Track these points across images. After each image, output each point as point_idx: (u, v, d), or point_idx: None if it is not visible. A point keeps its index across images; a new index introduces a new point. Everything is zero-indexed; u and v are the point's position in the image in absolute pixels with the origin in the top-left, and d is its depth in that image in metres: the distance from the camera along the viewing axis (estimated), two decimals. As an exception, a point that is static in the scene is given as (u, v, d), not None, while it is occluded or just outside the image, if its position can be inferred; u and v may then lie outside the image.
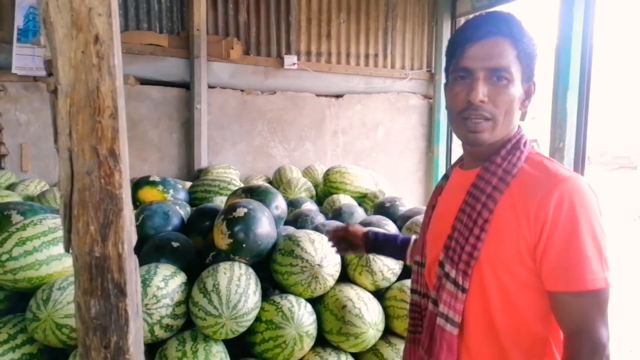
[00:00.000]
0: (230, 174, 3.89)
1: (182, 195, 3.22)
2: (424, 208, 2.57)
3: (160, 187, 3.14)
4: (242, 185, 3.41)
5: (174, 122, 4.21)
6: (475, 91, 1.01)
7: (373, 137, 4.60)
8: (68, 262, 1.83)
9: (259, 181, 3.93)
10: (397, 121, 4.68)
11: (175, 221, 2.43)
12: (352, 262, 2.04)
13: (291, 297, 1.88)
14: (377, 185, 3.59)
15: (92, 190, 0.73)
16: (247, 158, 4.39)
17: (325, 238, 2.03)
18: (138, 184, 3.19)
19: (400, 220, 2.57)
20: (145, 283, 1.67)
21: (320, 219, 2.71)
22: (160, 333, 1.67)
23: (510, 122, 1.06)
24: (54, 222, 1.86)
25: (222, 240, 1.93)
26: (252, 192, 2.39)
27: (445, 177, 1.29)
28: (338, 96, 4.48)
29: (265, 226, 1.98)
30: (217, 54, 4.10)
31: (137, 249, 1.96)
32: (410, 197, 3.60)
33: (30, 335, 1.66)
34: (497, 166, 1.07)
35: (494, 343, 1.05)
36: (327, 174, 3.46)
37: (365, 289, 2.01)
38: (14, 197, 3.18)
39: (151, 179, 3.21)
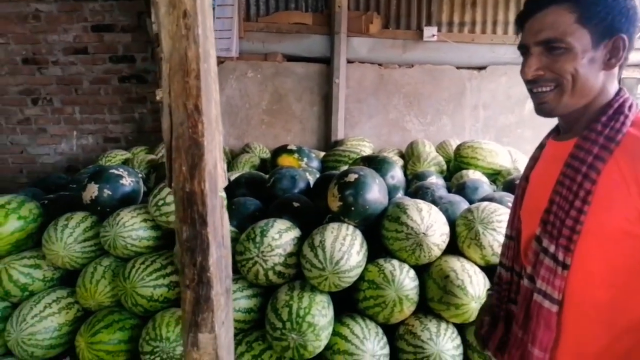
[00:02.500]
0: (363, 146, 4.02)
1: (315, 163, 3.46)
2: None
3: (296, 155, 3.42)
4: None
5: (315, 95, 4.47)
6: (527, 66, 1.02)
7: (519, 111, 4.26)
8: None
9: (391, 154, 3.98)
10: (549, 94, 4.24)
11: (301, 185, 2.66)
12: (461, 234, 2.01)
13: (394, 262, 1.94)
14: (514, 163, 3.37)
15: (184, 138, 0.91)
16: (382, 131, 4.46)
17: (433, 207, 2.03)
18: (277, 152, 3.53)
19: (529, 198, 2.40)
20: (262, 233, 1.90)
21: (442, 192, 2.68)
22: (273, 278, 1.89)
23: (586, 88, 1.00)
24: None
25: (333, 202, 2.07)
26: (370, 161, 2.48)
27: (540, 147, 1.22)
28: (480, 68, 4.24)
29: (375, 192, 2.06)
30: (356, 29, 4.21)
31: (228, 192, 2.18)
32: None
33: (177, 267, 2.03)
34: (597, 134, 0.99)
35: (600, 321, 1.00)
36: (458, 149, 3.36)
37: (475, 263, 1.97)
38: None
39: (289, 147, 3.51)
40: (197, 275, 0.95)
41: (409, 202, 2.06)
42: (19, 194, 2.65)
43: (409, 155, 3.90)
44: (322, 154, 3.75)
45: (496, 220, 1.95)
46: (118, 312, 2.00)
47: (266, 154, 4.16)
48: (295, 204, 2.31)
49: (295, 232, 2.00)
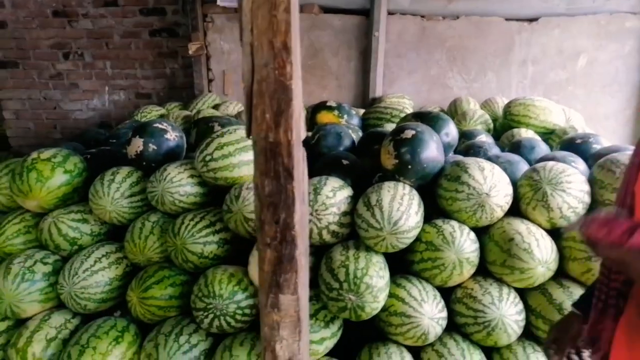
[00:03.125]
0: (403, 103, 3.86)
1: (355, 121, 3.33)
2: (628, 147, 2.20)
3: (336, 112, 3.30)
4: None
5: (352, 50, 4.28)
6: None
7: (571, 67, 4.00)
8: (255, 168, 2.08)
9: (434, 112, 3.81)
10: (604, 48, 3.96)
11: (346, 142, 2.55)
12: (525, 195, 1.89)
13: (454, 223, 1.85)
14: (568, 122, 3.18)
15: (268, 81, 0.81)
16: (422, 88, 4.27)
17: (496, 167, 1.91)
18: (317, 109, 3.40)
19: (592, 159, 2.25)
20: (316, 191, 1.82)
21: (495, 151, 2.54)
22: (327, 237, 1.83)
23: None
24: (243, 132, 2.12)
25: (388, 160, 1.97)
26: (422, 117, 2.35)
27: None
28: (531, 20, 3.96)
29: (432, 150, 1.94)
30: (399, -23, 3.96)
31: (306, 146, 2.09)
32: (610, 139, 3.07)
33: (226, 224, 1.98)
34: None
35: None
36: (508, 106, 3.18)
37: (539, 225, 1.86)
38: (216, 114, 3.69)
39: (328, 104, 3.38)
40: (280, 233, 0.88)
41: (469, 160, 1.94)
42: (62, 147, 2.62)
43: (453, 113, 3.72)
44: (362, 111, 3.61)
45: (565, 180, 1.82)
46: (168, 268, 1.98)
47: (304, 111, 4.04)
48: (345, 162, 2.21)
49: (347, 191, 1.92)
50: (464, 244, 1.77)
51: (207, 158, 2.01)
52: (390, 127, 3.02)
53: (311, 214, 1.78)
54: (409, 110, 3.36)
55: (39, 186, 2.07)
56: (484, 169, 1.86)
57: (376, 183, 2.12)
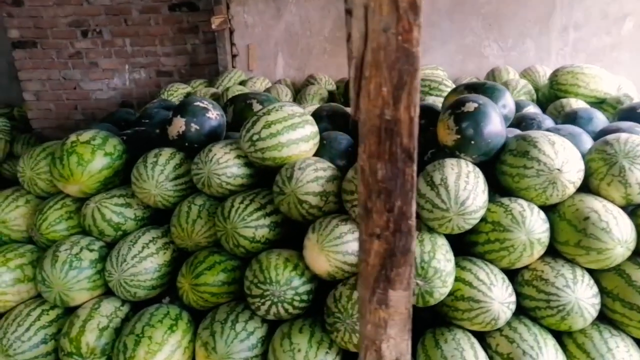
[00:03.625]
0: (438, 74, 3.69)
1: (392, 94, 3.19)
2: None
3: (372, 86, 3.15)
4: (454, 85, 3.22)
5: (382, 20, 4.10)
6: None
7: (616, 32, 3.79)
8: (303, 147, 1.98)
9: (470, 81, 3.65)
10: (651, 11, 3.74)
11: (392, 117, 2.43)
12: (598, 170, 1.76)
13: (522, 201, 1.73)
14: (619, 90, 3.01)
15: (388, 49, 0.70)
16: (456, 58, 4.09)
17: (566, 140, 1.79)
18: (349, 82, 3.26)
19: (659, 129, 2.11)
20: (375, 170, 1.71)
21: (548, 123, 2.40)
22: (387, 219, 1.73)
23: None
24: (291, 109, 2.01)
25: (448, 135, 1.85)
26: (476, 88, 2.21)
27: None
28: (574, -18, 3.75)
29: (496, 124, 1.81)
30: (432, -60, 3.74)
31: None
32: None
33: (276, 207, 1.89)
34: None
35: None
36: (555, 75, 3.02)
37: (613, 202, 1.74)
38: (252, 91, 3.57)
39: (363, 77, 3.23)
40: (394, 223, 0.77)
41: (536, 134, 1.81)
42: (97, 128, 2.54)
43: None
44: (397, 83, 3.46)
45: (644, 154, 1.69)
46: (218, 253, 1.90)
47: (332, 86, 3.90)
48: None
49: (406, 169, 1.80)
50: (535, 224, 1.66)
51: (255, 137, 1.91)
52: (431, 99, 2.89)
53: (371, 195, 1.68)
54: (448, 81, 3.20)
55: (80, 170, 2.00)
56: (555, 142, 1.74)
57: (429, 161, 2.01)
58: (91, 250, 1.96)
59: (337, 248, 1.69)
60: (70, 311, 1.95)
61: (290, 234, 2.02)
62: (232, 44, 4.43)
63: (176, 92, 3.81)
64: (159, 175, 1.99)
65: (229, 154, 1.97)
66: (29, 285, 1.95)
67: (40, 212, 2.07)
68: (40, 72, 5.51)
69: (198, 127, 2.09)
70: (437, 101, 2.92)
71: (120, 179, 2.18)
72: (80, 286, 1.88)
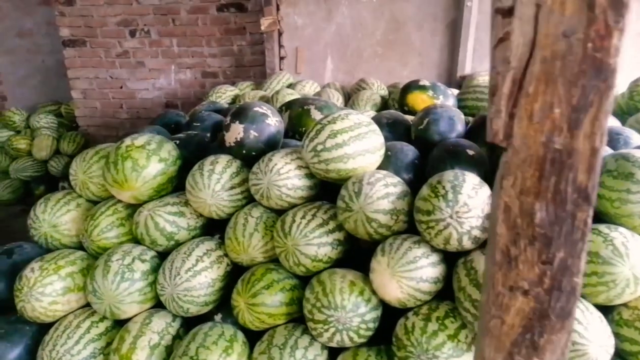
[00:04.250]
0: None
1: (451, 101, 3.01)
2: None
3: (430, 93, 2.98)
4: (520, 94, 3.00)
5: (438, 23, 3.91)
6: None
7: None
8: (370, 158, 1.83)
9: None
10: None
11: (459, 128, 2.25)
12: None
13: (624, 230, 1.53)
14: None
15: (569, 59, 0.53)
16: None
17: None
18: (407, 89, 3.09)
19: None
20: (454, 189, 1.54)
21: (637, 139, 2.17)
22: (467, 244, 1.55)
23: None
24: (358, 117, 1.86)
25: (536, 152, 1.66)
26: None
27: None
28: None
29: None
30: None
31: (422, 152, 1.81)
32: None
33: (339, 223, 1.74)
34: None
35: None
36: (636, 85, 2.76)
37: None
38: (296, 96, 3.45)
39: (421, 83, 3.06)
40: (551, 278, 0.61)
41: (638, 153, 1.60)
42: (148, 132, 2.47)
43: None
44: (456, 91, 3.27)
45: None
46: (275, 270, 1.77)
47: (384, 91, 3.74)
48: (470, 152, 1.92)
49: (487, 189, 1.62)
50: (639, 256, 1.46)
51: (319, 147, 1.77)
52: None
53: (450, 217, 1.51)
54: (514, 90, 2.99)
55: (135, 176, 1.91)
56: (664, 164, 1.52)
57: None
58: (143, 261, 1.86)
59: (410, 274, 1.53)
60: (118, 323, 1.86)
61: (352, 251, 1.87)
62: (281, 46, 4.33)
63: (224, 94, 3.73)
64: (215, 184, 1.87)
65: (290, 164, 1.84)
66: (78, 294, 1.87)
67: (92, 218, 1.99)
68: (88, 70, 5.56)
69: (257, 134, 1.97)
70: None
71: (173, 186, 2.09)
72: (131, 299, 1.79)
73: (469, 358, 1.49)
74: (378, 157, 1.88)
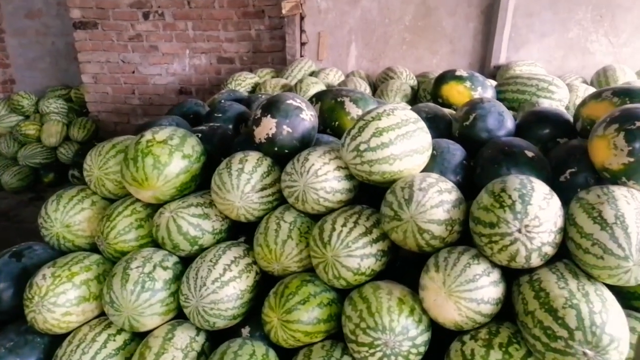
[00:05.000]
0: (544, 73, 3.24)
1: (490, 94, 2.79)
2: None
3: (468, 84, 2.77)
4: (564, 86, 2.78)
5: (472, 8, 3.67)
6: None
7: None
8: (417, 159, 1.64)
9: (575, 83, 3.18)
10: None
11: (509, 125, 2.05)
12: None
13: None
14: None
15: None
16: (556, 54, 3.61)
17: None
18: (442, 79, 2.88)
19: None
20: (523, 199, 1.35)
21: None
22: (535, 261, 1.36)
23: None
24: (405, 113, 1.67)
25: (612, 157, 1.46)
26: (631, 95, 1.79)
27: None
28: None
29: (682, 145, 1.41)
30: None
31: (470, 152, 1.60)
32: None
33: (383, 231, 1.56)
34: None
35: None
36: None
37: None
38: (321, 85, 3.25)
39: (457, 73, 2.85)
40: None
41: None
42: (167, 124, 2.28)
43: (601, 86, 3.09)
44: (494, 82, 3.05)
45: None
46: (311, 282, 1.60)
47: (413, 81, 3.52)
48: (529, 154, 1.72)
49: (557, 199, 1.43)
50: None
51: (362, 147, 1.58)
52: (547, 103, 2.47)
53: (519, 231, 1.32)
54: (559, 82, 2.77)
55: (156, 174, 1.73)
56: None
57: (571, 183, 1.64)
58: (165, 269, 1.70)
59: (470, 294, 1.35)
60: (137, 335, 1.70)
61: (394, 261, 1.70)
62: (302, 31, 4.11)
63: (244, 82, 3.53)
64: (244, 185, 1.69)
65: (328, 164, 1.65)
66: (94, 303, 1.71)
67: (109, 219, 1.82)
68: (99, 54, 5.38)
69: (290, 130, 1.78)
70: (544, 104, 2.51)
71: (197, 185, 1.91)
72: (152, 311, 1.62)
73: (536, 391, 1.31)
74: (426, 157, 1.69)
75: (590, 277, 1.35)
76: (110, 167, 1.92)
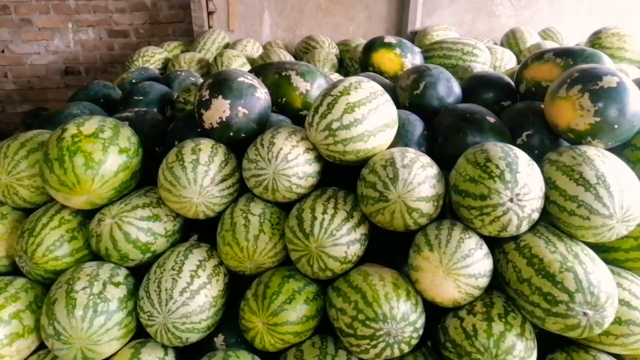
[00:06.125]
0: (460, 37, 3.32)
1: (419, 60, 2.79)
2: None
3: (398, 50, 2.74)
4: (486, 49, 2.87)
5: (386, -27, 3.63)
6: None
7: (632, -10, 3.60)
8: (390, 134, 1.56)
9: (490, 45, 3.31)
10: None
11: (457, 91, 2.04)
12: None
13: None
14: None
15: None
16: (466, 18, 3.74)
17: None
18: (371, 47, 2.81)
19: None
20: (510, 168, 1.33)
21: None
22: (524, 229, 1.37)
23: None
24: (371, 86, 1.56)
25: (578, 118, 1.49)
26: (573, 55, 1.86)
27: None
28: None
29: (638, 102, 1.48)
30: None
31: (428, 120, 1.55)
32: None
33: (366, 214, 1.47)
34: None
35: None
36: (597, 38, 2.75)
37: None
38: (242, 58, 3.01)
39: (386, 40, 2.80)
40: None
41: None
42: (80, 112, 1.95)
43: (512, 48, 3.26)
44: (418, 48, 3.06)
45: None
46: (292, 276, 1.46)
47: (335, 50, 3.41)
48: (491, 119, 1.72)
49: (537, 165, 1.43)
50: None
51: (335, 125, 1.45)
52: (480, 67, 2.52)
53: (510, 200, 1.31)
54: (481, 45, 2.85)
55: (90, 175, 1.44)
56: None
57: (528, 145, 1.67)
58: (117, 285, 1.44)
59: (468, 270, 1.32)
60: (90, 366, 1.44)
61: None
62: (208, -1, 3.76)
63: (152, 58, 3.15)
64: (202, 178, 1.48)
65: (297, 147, 1.50)
66: (29, 338, 1.41)
67: (31, 234, 1.49)
68: (-46, 31, 4.49)
69: (247, 111, 1.58)
70: (477, 68, 2.57)
71: (137, 182, 1.64)
72: (110, 336, 1.37)
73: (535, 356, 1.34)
74: (394, 131, 1.61)
75: (572, 237, 1.39)
76: (22, 172, 1.57)
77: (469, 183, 1.38)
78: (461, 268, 1.31)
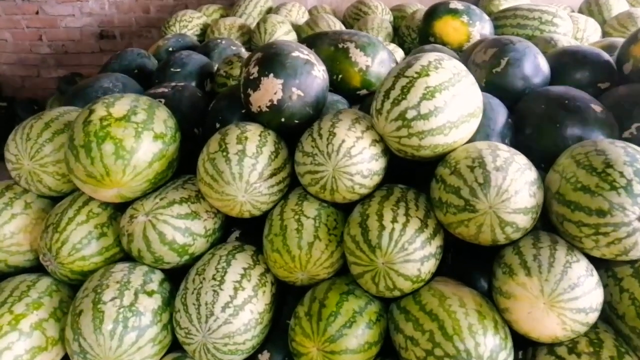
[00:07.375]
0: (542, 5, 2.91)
1: (488, 30, 2.44)
2: None
3: (465, 18, 2.39)
4: (568, 17, 2.48)
5: None
6: None
7: None
8: (474, 124, 1.28)
9: (566, 12, 2.90)
10: None
11: (545, 70, 1.71)
12: None
13: None
14: None
15: None
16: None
17: None
18: (434, 13, 2.47)
19: None
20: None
21: None
22: None
23: None
24: (454, 65, 1.27)
25: None
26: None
27: None
28: None
29: None
30: None
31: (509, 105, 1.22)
32: None
33: (444, 225, 1.21)
34: None
35: None
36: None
37: None
38: (288, 26, 2.73)
39: (452, 5, 2.45)
40: None
41: None
42: (112, 86, 1.74)
43: (594, 16, 2.84)
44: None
45: None
46: (351, 293, 1.24)
47: (389, 16, 3.07)
48: (597, 108, 1.41)
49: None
50: None
51: (410, 115, 1.18)
52: (565, 41, 2.16)
53: (638, 219, 1.02)
54: (562, 13, 2.46)
55: (121, 166, 1.23)
56: None
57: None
58: (150, 294, 1.25)
59: (577, 303, 1.06)
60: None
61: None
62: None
63: (190, 24, 2.90)
64: (249, 173, 1.25)
65: (362, 139, 1.25)
66: (53, 351, 1.25)
67: (56, 229, 1.31)
68: (-12, -9, 4.35)
69: (302, 93, 1.33)
70: (562, 41, 2.20)
71: (173, 172, 1.43)
72: (142, 355, 1.19)
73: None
74: (479, 121, 1.33)
75: None
76: (47, 156, 1.38)
77: (581, 193, 1.09)
78: (568, 300, 1.05)
